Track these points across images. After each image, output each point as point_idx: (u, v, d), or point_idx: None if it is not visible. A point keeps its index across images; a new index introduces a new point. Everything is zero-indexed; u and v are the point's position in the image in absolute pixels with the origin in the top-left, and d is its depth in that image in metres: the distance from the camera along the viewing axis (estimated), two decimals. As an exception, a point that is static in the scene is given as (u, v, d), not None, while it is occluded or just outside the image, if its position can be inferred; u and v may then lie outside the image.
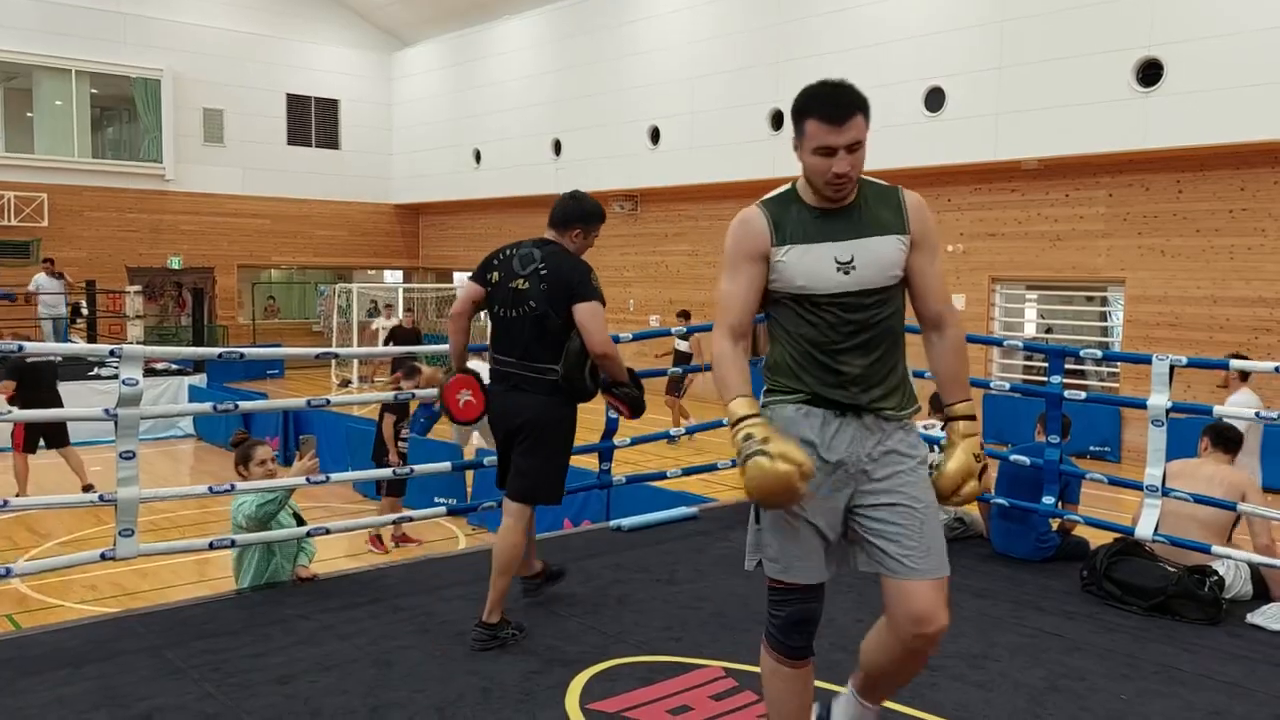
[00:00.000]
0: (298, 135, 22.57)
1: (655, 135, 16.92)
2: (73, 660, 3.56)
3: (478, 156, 21.13)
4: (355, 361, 18.54)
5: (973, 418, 2.52)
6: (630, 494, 6.56)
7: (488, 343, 3.98)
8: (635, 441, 5.78)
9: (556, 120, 18.93)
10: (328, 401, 5.11)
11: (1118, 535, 4.67)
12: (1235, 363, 4.84)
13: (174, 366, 14.39)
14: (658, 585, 4.53)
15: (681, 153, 16.40)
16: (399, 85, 23.59)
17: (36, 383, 9.51)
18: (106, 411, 4.08)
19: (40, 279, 16.02)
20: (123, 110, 22.11)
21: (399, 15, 22.42)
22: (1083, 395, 5.20)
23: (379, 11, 22.61)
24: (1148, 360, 4.62)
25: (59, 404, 9.62)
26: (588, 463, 5.57)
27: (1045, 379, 5.15)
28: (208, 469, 11.49)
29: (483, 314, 4.03)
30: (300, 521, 4.56)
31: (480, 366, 4.05)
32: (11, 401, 9.28)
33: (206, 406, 5.23)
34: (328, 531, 4.73)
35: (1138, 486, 4.66)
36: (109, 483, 4.14)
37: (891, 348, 2.42)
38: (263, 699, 3.26)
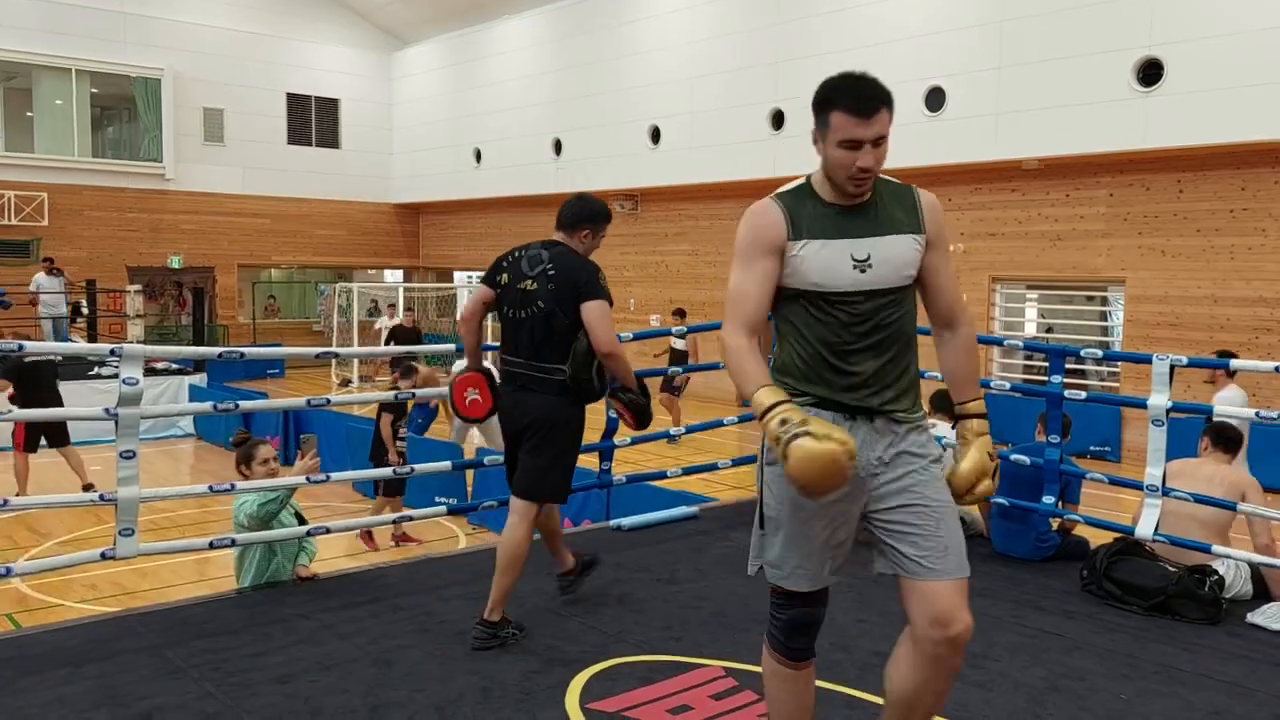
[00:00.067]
0: (298, 135, 22.57)
1: (655, 135, 16.92)
2: (73, 659, 3.56)
3: (478, 156, 21.13)
4: (355, 361, 18.53)
5: (985, 416, 2.50)
6: (630, 493, 6.56)
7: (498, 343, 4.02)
8: (635, 441, 5.78)
9: (556, 120, 18.93)
10: (328, 401, 5.12)
11: (1118, 535, 4.67)
12: (1234, 362, 4.84)
13: (174, 366, 14.38)
14: (658, 585, 4.53)
15: (681, 152, 16.40)
16: (399, 85, 23.59)
17: (37, 382, 9.51)
18: (107, 411, 4.08)
19: (40, 278, 16.02)
20: (123, 109, 22.12)
21: (399, 15, 22.42)
22: (1083, 395, 5.20)
23: (379, 11, 22.62)
24: (1148, 360, 4.62)
25: (59, 403, 9.62)
26: (588, 462, 5.56)
27: (1045, 379, 5.15)
28: (208, 468, 11.49)
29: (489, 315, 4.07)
30: (302, 521, 4.56)
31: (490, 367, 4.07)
32: (12, 401, 9.28)
33: (207, 406, 5.22)
34: (328, 531, 4.73)
35: (1138, 486, 4.66)
36: (109, 482, 4.14)
37: (904, 349, 2.37)
38: (263, 698, 3.26)
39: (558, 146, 18.95)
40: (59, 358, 10.17)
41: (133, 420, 4.06)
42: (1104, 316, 13.89)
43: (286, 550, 4.50)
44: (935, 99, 12.74)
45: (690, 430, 6.65)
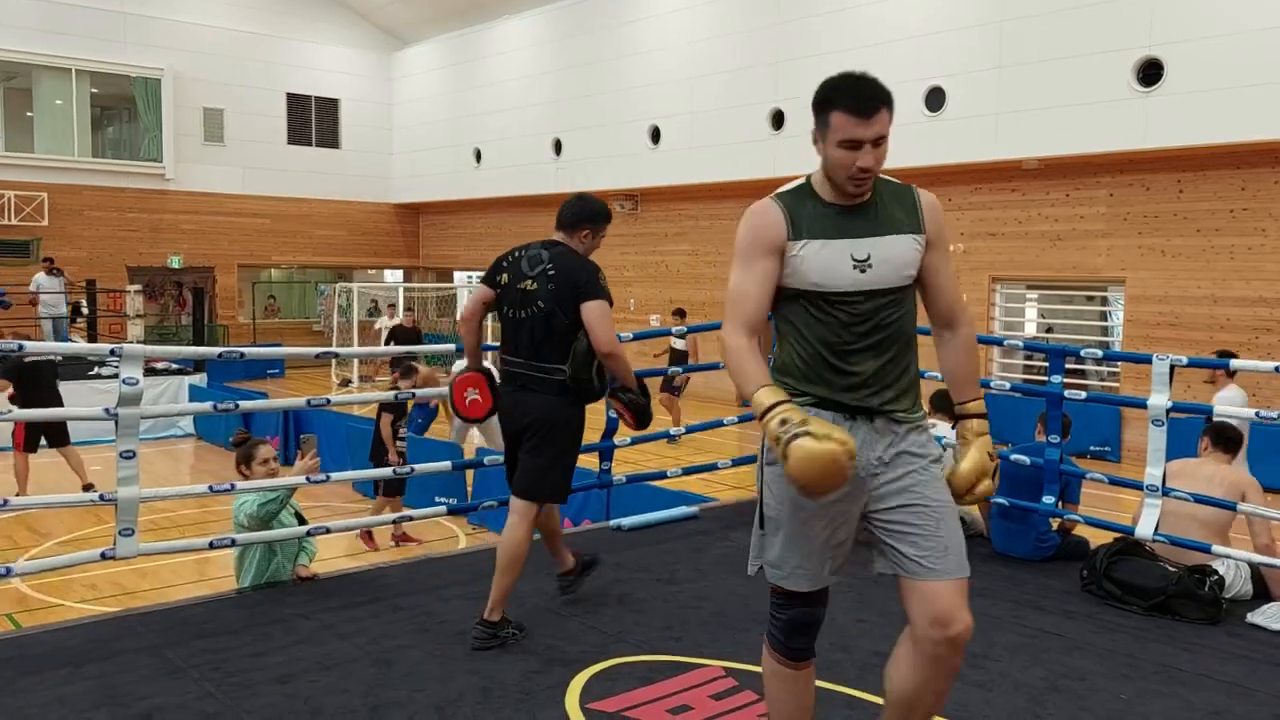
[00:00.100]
0: (298, 135, 22.57)
1: (655, 135, 16.92)
2: (73, 659, 3.56)
3: (478, 156, 21.13)
4: (355, 361, 18.53)
5: (985, 416, 2.50)
6: (630, 493, 6.56)
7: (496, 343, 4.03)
8: (635, 441, 5.78)
9: (556, 120, 18.93)
10: (328, 401, 5.12)
11: (1118, 535, 4.67)
12: (1234, 362, 4.84)
13: (174, 366, 14.38)
14: (658, 585, 4.53)
15: (681, 152, 16.40)
16: (399, 85, 23.59)
17: (37, 382, 9.50)
18: (107, 411, 4.08)
19: (40, 278, 16.02)
20: (123, 109, 22.12)
21: (399, 15, 22.42)
22: (1083, 395, 5.20)
23: (379, 11, 22.62)
24: (1148, 360, 4.63)
25: (59, 403, 9.62)
26: (588, 462, 5.56)
27: (1045, 379, 5.16)
28: (208, 468, 11.49)
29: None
30: (302, 521, 4.56)
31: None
32: (12, 400, 9.28)
33: (207, 406, 5.22)
34: (328, 531, 4.73)
35: (1138, 486, 4.66)
36: (109, 482, 4.14)
37: (904, 349, 2.37)
38: (263, 698, 3.26)
39: (558, 146, 18.95)
40: (59, 358, 10.16)
41: (132, 420, 4.06)
42: (1104, 316, 13.89)
43: (286, 550, 4.51)
44: (935, 99, 12.74)
45: (690, 430, 6.65)
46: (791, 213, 2.32)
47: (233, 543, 4.37)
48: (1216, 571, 4.30)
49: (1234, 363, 4.81)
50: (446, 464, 5.65)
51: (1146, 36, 10.84)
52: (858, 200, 2.32)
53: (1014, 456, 5.07)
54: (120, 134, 22.90)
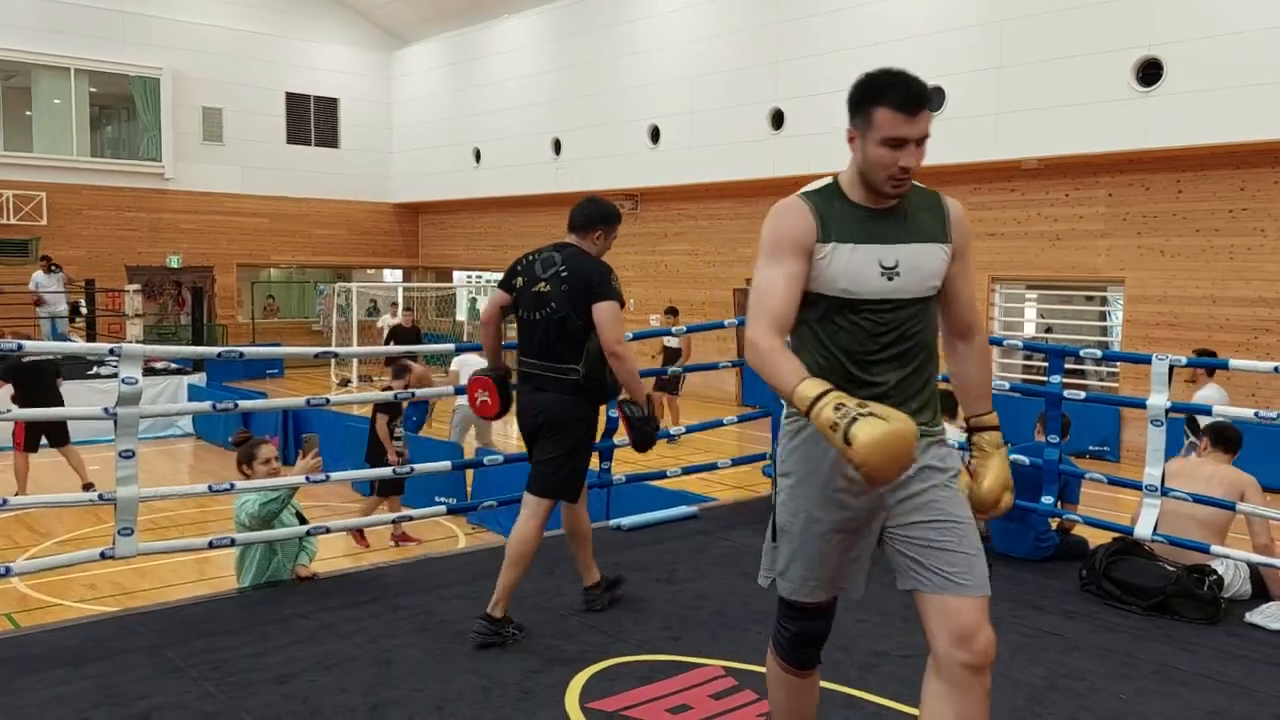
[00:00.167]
0: (297, 134, 22.56)
1: (655, 134, 16.91)
2: (72, 659, 3.56)
3: (477, 155, 21.12)
4: (354, 360, 18.53)
5: (999, 428, 2.45)
6: (630, 493, 6.56)
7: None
8: (635, 441, 5.77)
9: (556, 119, 18.93)
10: (327, 401, 5.12)
11: (1117, 535, 4.67)
12: (1234, 362, 4.83)
13: (173, 365, 14.37)
14: (657, 584, 4.53)
15: (681, 152, 16.39)
16: (399, 84, 23.58)
17: (38, 382, 9.49)
18: (106, 410, 4.08)
19: (38, 277, 16.00)
20: (122, 109, 22.10)
21: (399, 14, 22.41)
22: (1082, 395, 5.20)
23: (379, 10, 22.61)
24: (1147, 360, 4.63)
25: (60, 403, 9.61)
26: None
27: (1045, 378, 5.16)
28: (207, 468, 11.49)
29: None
30: (303, 520, 4.57)
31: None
32: (13, 400, 9.28)
33: (206, 405, 5.22)
34: (328, 530, 4.73)
35: (1137, 486, 4.67)
36: (109, 481, 4.14)
37: (927, 361, 2.31)
38: (262, 698, 3.26)
39: (557, 146, 18.95)
40: (60, 357, 10.16)
41: (132, 420, 4.06)
42: (1103, 316, 13.90)
43: (287, 550, 4.51)
44: (935, 99, 12.74)
45: (690, 430, 6.66)
46: (821, 213, 2.24)
47: (232, 542, 4.37)
48: (1215, 571, 4.30)
49: (1234, 362, 4.80)
50: (446, 464, 5.66)
51: (1146, 36, 10.85)
52: (888, 204, 2.25)
53: (1013, 456, 5.07)
54: (119, 133, 22.88)
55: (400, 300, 19.01)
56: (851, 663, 3.61)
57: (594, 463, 5.51)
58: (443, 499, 8.39)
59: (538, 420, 3.86)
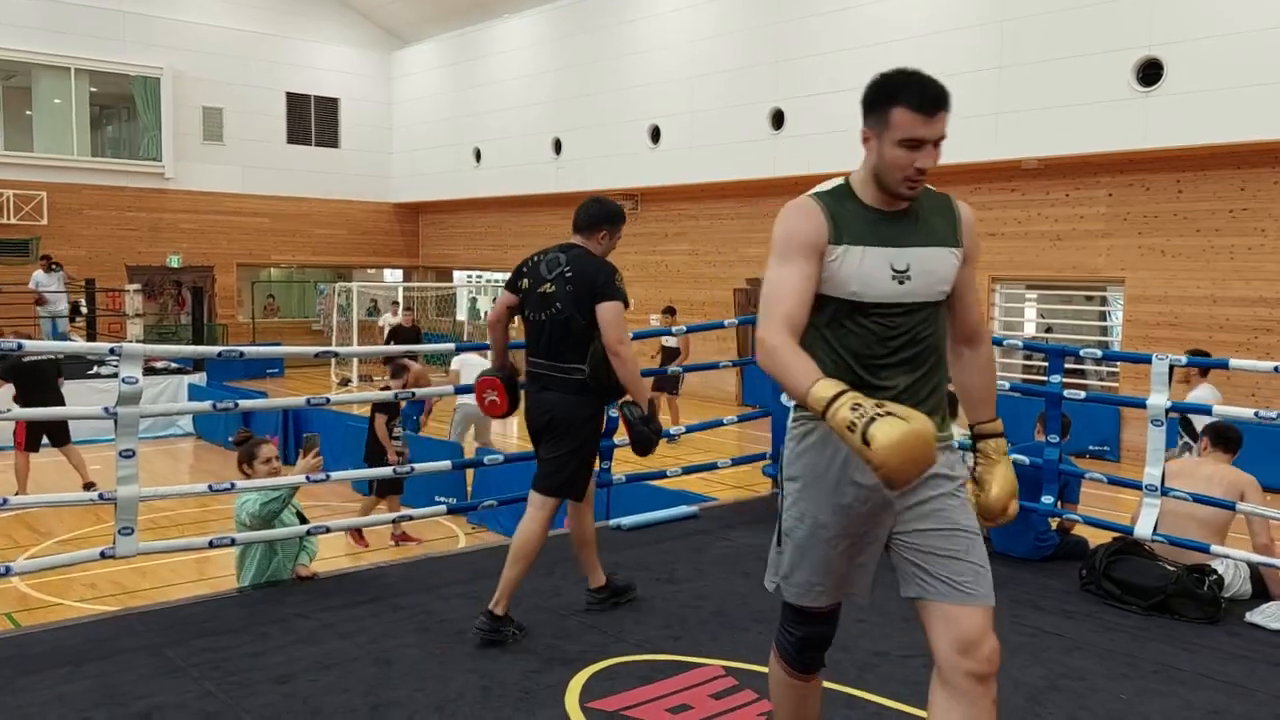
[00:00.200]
0: (297, 134, 22.56)
1: (655, 134, 16.91)
2: (72, 659, 3.56)
3: (478, 155, 21.13)
4: (354, 360, 18.53)
5: (1004, 435, 2.43)
6: (630, 493, 6.56)
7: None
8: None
9: (556, 119, 18.93)
10: (327, 400, 5.13)
11: (1117, 534, 4.67)
12: (1234, 362, 4.83)
13: (173, 365, 14.37)
14: (657, 584, 4.53)
15: (681, 152, 16.39)
16: (399, 84, 23.58)
17: (39, 381, 9.49)
18: (106, 410, 4.08)
19: (38, 276, 15.98)
20: (122, 108, 22.10)
21: (399, 14, 22.42)
22: (1082, 395, 5.20)
23: (379, 10, 22.61)
24: (1147, 360, 4.63)
25: (62, 403, 9.60)
26: (587, 462, 5.57)
27: (1045, 378, 5.16)
28: (207, 468, 11.49)
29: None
30: (303, 520, 4.57)
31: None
32: (15, 400, 9.28)
33: (206, 405, 5.22)
34: (328, 530, 4.73)
35: (1137, 486, 4.67)
36: (109, 481, 4.14)
37: (936, 365, 2.29)
38: (262, 697, 3.26)
39: (558, 146, 18.95)
40: (62, 357, 10.16)
41: (132, 419, 4.06)
42: (1103, 316, 13.89)
43: (287, 549, 4.51)
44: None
45: (690, 430, 6.66)
46: (833, 214, 2.20)
47: (232, 542, 4.38)
48: (1215, 571, 4.30)
49: (1234, 362, 4.80)
50: (446, 463, 5.66)
51: (1146, 36, 10.85)
52: (900, 206, 2.23)
53: (1013, 456, 5.06)
54: (119, 133, 22.88)
55: (400, 300, 19.01)
56: (851, 663, 3.61)
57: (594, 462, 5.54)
58: (443, 499, 8.39)
59: (543, 420, 3.89)
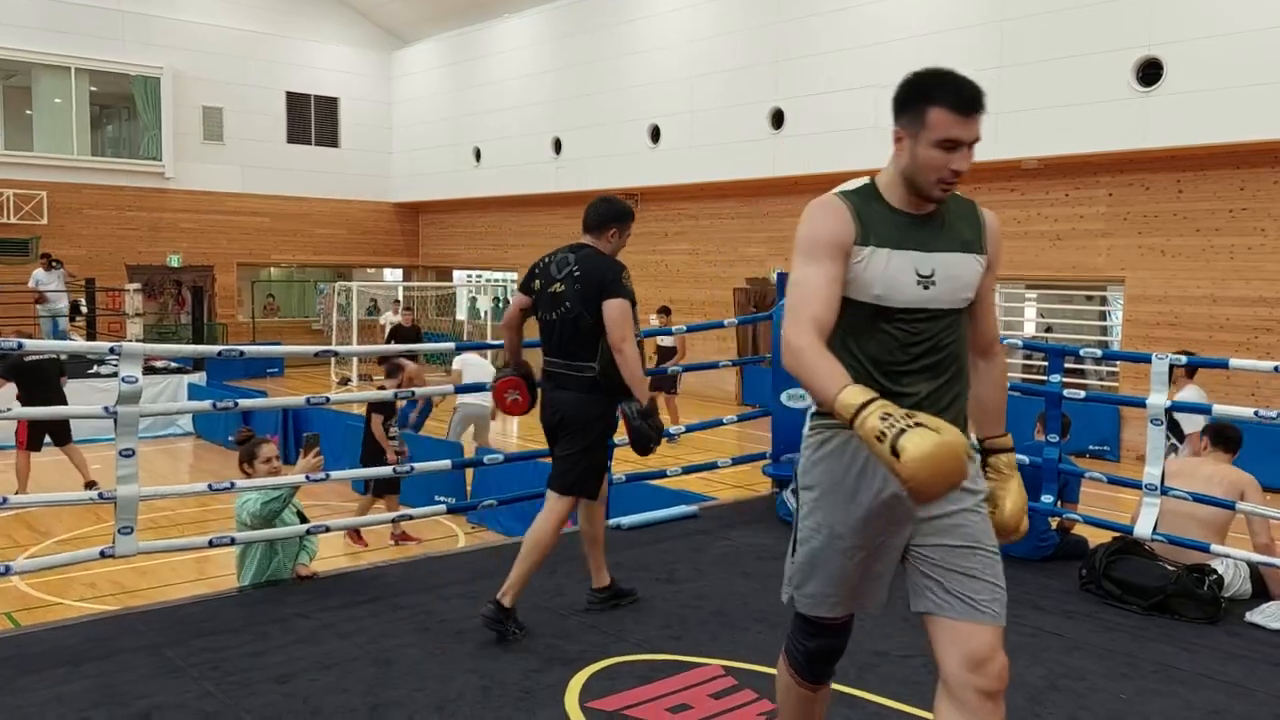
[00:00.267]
0: (297, 133, 22.56)
1: (655, 134, 16.91)
2: (72, 658, 3.56)
3: (478, 155, 21.13)
4: (354, 359, 18.53)
5: (1014, 449, 2.39)
6: (630, 492, 6.56)
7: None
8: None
9: (556, 119, 18.93)
10: (327, 399, 5.13)
11: (1117, 534, 4.67)
12: (1234, 361, 4.83)
13: (173, 364, 14.37)
14: (657, 584, 4.53)
15: (681, 151, 16.40)
16: (399, 83, 23.58)
17: (41, 381, 9.48)
18: (106, 409, 4.08)
19: (39, 274, 15.98)
20: (122, 108, 22.11)
21: (399, 13, 22.41)
22: (1082, 394, 5.20)
23: (379, 10, 22.61)
24: (1147, 359, 4.63)
25: (64, 403, 9.59)
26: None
27: (1045, 378, 5.16)
28: (207, 467, 11.49)
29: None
30: (304, 520, 4.57)
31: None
32: (18, 400, 9.28)
33: (206, 404, 5.22)
34: (328, 530, 4.73)
35: (1137, 485, 4.67)
36: (110, 480, 4.14)
37: (958, 373, 2.23)
38: (262, 697, 3.26)
39: (557, 145, 18.95)
40: (64, 356, 10.16)
41: (132, 418, 4.06)
42: (1103, 316, 13.90)
43: (288, 549, 4.51)
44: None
45: (690, 429, 6.65)
46: (860, 214, 2.14)
47: (232, 541, 4.38)
48: (1215, 571, 4.30)
49: (1234, 362, 4.80)
50: (446, 463, 5.66)
51: (1146, 36, 10.85)
52: (927, 209, 2.17)
53: (1013, 456, 5.06)
54: (119, 132, 22.89)
55: (401, 299, 19.02)
56: (851, 663, 3.60)
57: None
58: (442, 498, 8.39)
59: (555, 418, 3.95)
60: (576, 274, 3.85)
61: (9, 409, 6.87)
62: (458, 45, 21.74)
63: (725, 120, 15.54)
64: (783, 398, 5.79)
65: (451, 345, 6.68)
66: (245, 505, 4.34)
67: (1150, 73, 10.89)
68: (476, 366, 9.83)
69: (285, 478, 4.42)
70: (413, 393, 6.04)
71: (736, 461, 6.72)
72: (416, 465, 5.43)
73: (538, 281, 3.99)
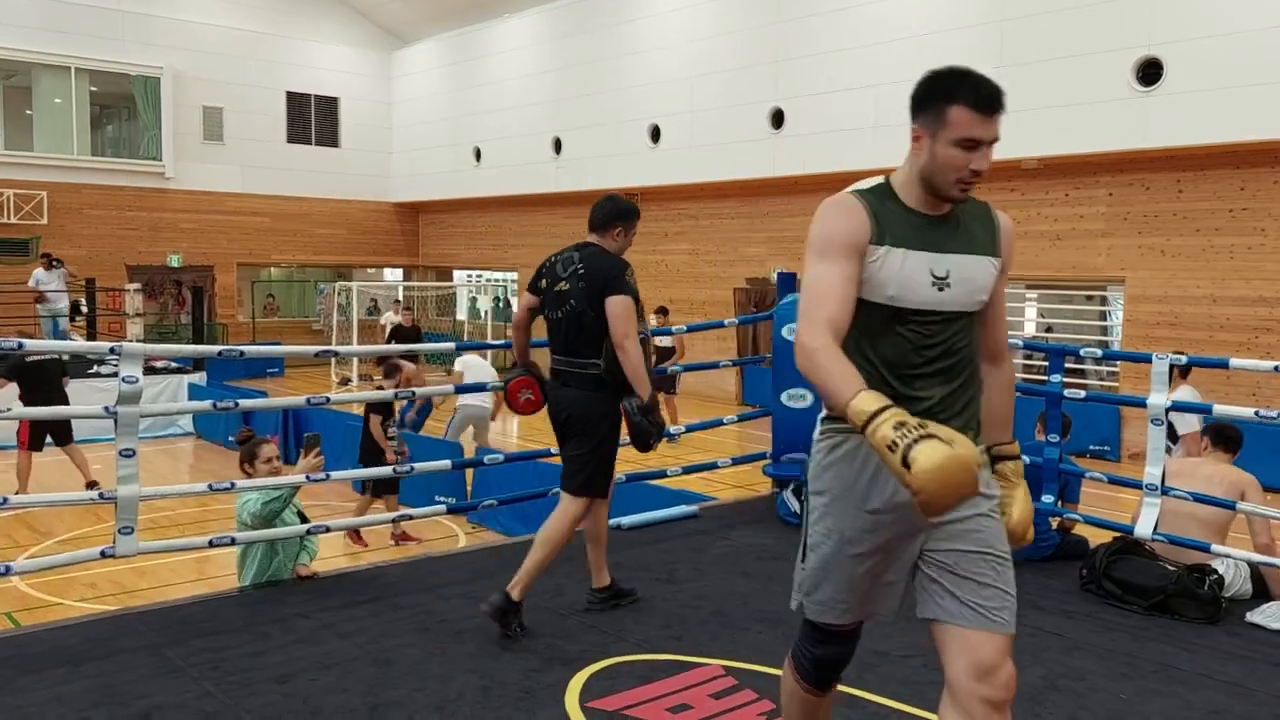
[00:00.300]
0: (297, 133, 22.56)
1: (655, 134, 16.91)
2: (72, 658, 3.56)
3: (478, 155, 21.13)
4: (355, 359, 18.53)
5: (1020, 456, 2.37)
6: (630, 492, 6.55)
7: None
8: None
9: (556, 119, 18.93)
10: (327, 400, 5.13)
11: (1117, 534, 4.67)
12: (1234, 361, 4.83)
13: (174, 364, 14.37)
14: (657, 584, 4.53)
15: (681, 151, 16.40)
16: (399, 83, 23.59)
17: (43, 381, 9.47)
18: (106, 409, 4.08)
19: (39, 274, 15.97)
20: (122, 108, 22.11)
21: (399, 13, 22.42)
22: (1082, 394, 5.20)
23: (379, 9, 22.61)
24: (1148, 359, 4.63)
25: (66, 403, 9.59)
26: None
27: (1045, 378, 5.16)
28: (207, 467, 11.49)
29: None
30: (304, 520, 4.57)
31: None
32: (20, 400, 9.27)
33: (206, 404, 5.22)
34: (328, 530, 4.73)
35: (1137, 485, 4.67)
36: (110, 481, 4.14)
37: (971, 377, 2.20)
38: (262, 697, 3.26)
39: (558, 145, 18.95)
40: (66, 357, 10.16)
41: (132, 418, 4.06)
42: (1103, 316, 13.90)
43: (288, 549, 4.51)
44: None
45: (690, 429, 6.65)
46: (876, 213, 2.11)
47: (232, 541, 4.38)
48: (1216, 571, 4.30)
49: (1234, 362, 4.80)
50: (446, 463, 5.66)
51: (1146, 36, 10.85)
52: (942, 210, 2.15)
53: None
54: (120, 132, 22.89)
55: (402, 299, 19.02)
56: (851, 663, 3.60)
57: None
58: (442, 498, 8.39)
59: (562, 415, 3.99)
60: (581, 272, 3.89)
61: (9, 409, 6.87)
62: (458, 45, 21.74)
63: (725, 120, 15.55)
64: (783, 398, 5.79)
65: (452, 345, 6.68)
66: (246, 505, 4.34)
67: (1150, 73, 10.89)
68: (477, 368, 9.83)
69: (286, 478, 4.42)
70: (413, 393, 6.05)
71: (736, 461, 6.72)
72: (416, 465, 5.43)
73: (544, 281, 4.02)
